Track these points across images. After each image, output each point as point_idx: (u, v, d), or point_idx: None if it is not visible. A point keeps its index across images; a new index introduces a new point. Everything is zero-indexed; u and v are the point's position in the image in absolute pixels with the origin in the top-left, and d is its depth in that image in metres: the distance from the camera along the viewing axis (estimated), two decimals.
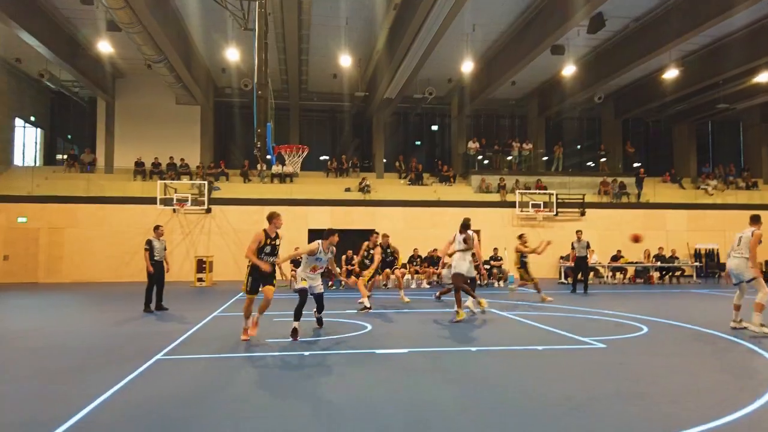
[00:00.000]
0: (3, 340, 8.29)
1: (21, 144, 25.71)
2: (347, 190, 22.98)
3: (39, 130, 26.73)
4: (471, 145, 25.80)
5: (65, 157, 25.15)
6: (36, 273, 20.13)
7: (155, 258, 11.24)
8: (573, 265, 16.11)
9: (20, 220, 20.23)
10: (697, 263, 21.94)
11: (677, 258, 21.16)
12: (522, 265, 14.12)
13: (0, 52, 21.52)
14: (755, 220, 8.70)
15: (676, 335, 8.35)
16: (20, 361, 6.75)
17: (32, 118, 25.87)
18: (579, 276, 15.72)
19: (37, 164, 26.11)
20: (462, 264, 9.82)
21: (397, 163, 26.25)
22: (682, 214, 23.70)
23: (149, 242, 11.27)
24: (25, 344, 7.85)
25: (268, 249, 8.06)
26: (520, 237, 14.33)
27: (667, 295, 15.43)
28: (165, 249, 11.59)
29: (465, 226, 10.00)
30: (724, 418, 4.30)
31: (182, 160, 23.78)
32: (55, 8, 18.12)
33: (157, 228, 11.63)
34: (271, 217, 8.22)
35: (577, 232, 16.23)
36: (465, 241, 9.81)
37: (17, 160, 24.84)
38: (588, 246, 15.76)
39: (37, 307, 12.84)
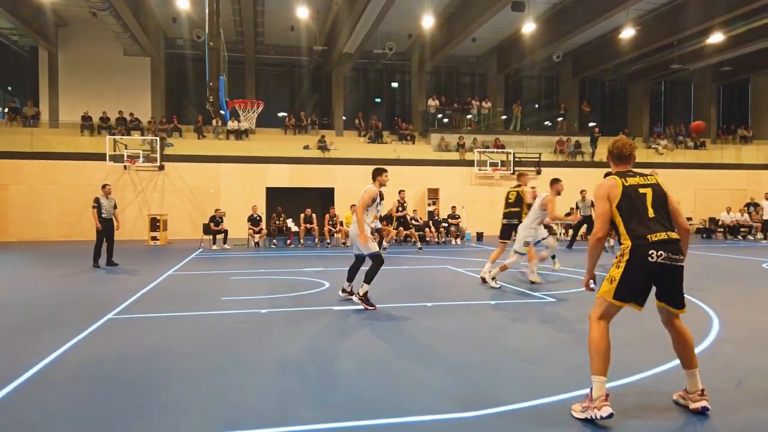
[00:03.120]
0: None
1: None
2: (306, 147, 22.63)
3: None
4: (431, 102, 25.67)
5: (6, 110, 23.78)
6: None
7: (103, 215, 11.39)
8: (575, 223, 16.40)
9: None
10: None
11: None
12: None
13: None
14: (552, 183, 8.94)
15: None
16: None
17: None
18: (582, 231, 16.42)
19: None
20: None
21: (356, 121, 25.93)
22: None
23: (97, 200, 11.42)
24: None
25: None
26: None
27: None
28: (115, 207, 11.71)
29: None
30: (669, 363, 4.52)
31: (132, 114, 22.87)
32: None
33: (104, 186, 11.72)
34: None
35: (582, 191, 16.38)
36: None
37: None
38: (592, 205, 15.65)
39: None
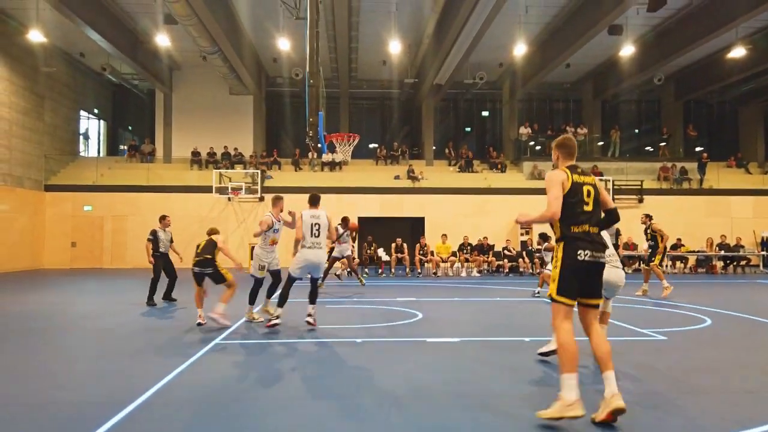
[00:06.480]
0: (74, 321, 8.78)
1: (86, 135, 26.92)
2: (397, 177, 22.98)
3: (102, 121, 27.93)
4: (523, 130, 25.28)
5: (127, 147, 26.20)
6: (101, 259, 21.16)
7: (160, 250, 10.38)
8: None
9: (86, 208, 21.26)
10: (764, 252, 20.85)
11: (742, 246, 20.18)
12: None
13: (65, 48, 22.54)
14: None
15: (742, 328, 7.98)
16: (91, 341, 7.13)
17: (95, 111, 27.04)
18: None
19: (101, 155, 27.31)
20: None
21: (446, 150, 26.03)
22: (748, 201, 22.53)
23: (153, 233, 10.38)
24: (94, 325, 8.28)
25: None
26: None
27: (732, 285, 14.76)
28: (172, 240, 10.72)
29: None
30: None
31: (236, 149, 24.36)
32: (115, 3, 18.80)
33: (163, 218, 10.64)
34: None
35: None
36: None
37: (82, 151, 26.05)
38: (618, 233, 14.44)
39: (104, 291, 13.49)
